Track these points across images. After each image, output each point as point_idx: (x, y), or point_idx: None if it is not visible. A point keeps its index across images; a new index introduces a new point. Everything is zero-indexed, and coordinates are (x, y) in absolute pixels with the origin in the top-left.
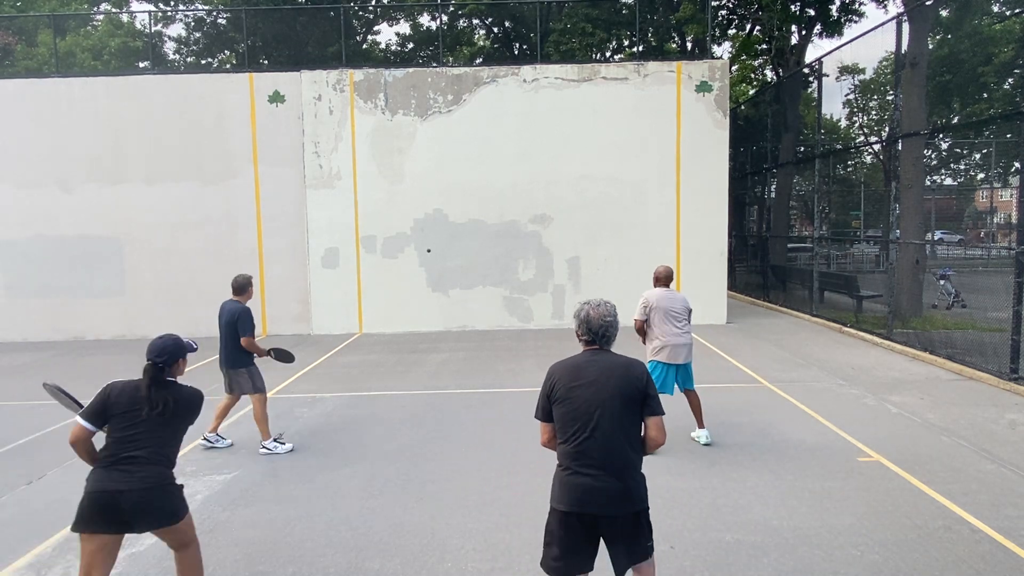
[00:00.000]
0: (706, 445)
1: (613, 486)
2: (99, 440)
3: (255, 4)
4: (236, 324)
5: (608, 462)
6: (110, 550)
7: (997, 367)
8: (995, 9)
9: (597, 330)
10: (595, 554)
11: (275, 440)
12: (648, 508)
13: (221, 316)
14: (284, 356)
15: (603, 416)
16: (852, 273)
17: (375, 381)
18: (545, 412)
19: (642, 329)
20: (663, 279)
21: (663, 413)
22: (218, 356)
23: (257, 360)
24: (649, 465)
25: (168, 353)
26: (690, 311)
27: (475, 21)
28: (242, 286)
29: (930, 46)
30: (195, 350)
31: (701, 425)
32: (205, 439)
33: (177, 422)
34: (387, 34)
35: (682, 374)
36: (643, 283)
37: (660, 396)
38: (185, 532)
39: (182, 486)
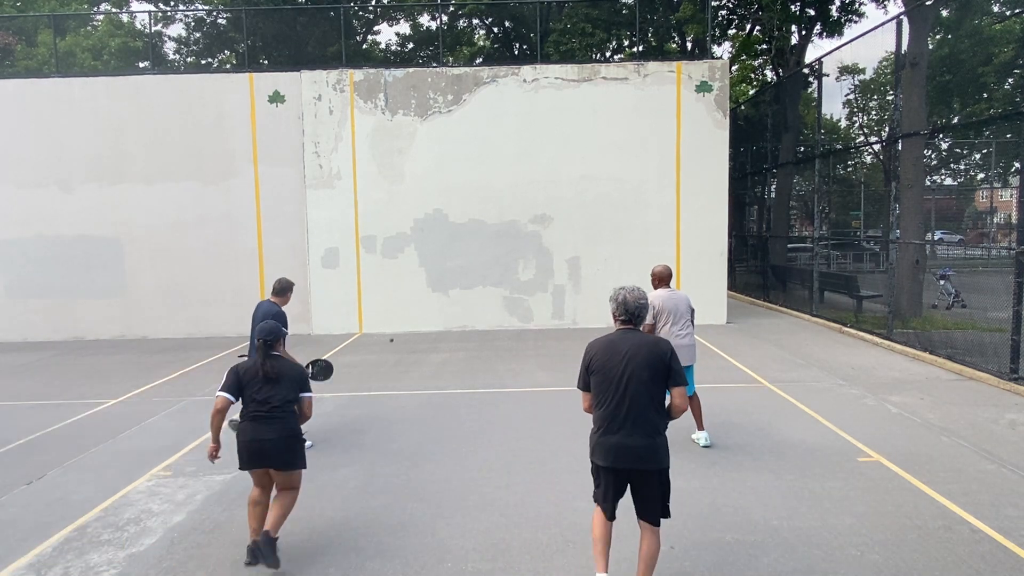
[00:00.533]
0: (706, 447)
1: (641, 444)
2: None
3: (255, 4)
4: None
5: (637, 424)
6: (265, 475)
7: (997, 367)
8: (995, 9)
9: (632, 311)
10: (621, 497)
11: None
12: (668, 468)
13: (256, 316)
14: (325, 371)
15: (633, 385)
16: (852, 273)
17: (375, 381)
18: (585, 382)
19: (652, 332)
20: (664, 279)
21: (686, 383)
22: (245, 354)
23: None
24: None
25: (272, 334)
26: (693, 311)
27: (475, 21)
28: (283, 289)
29: (930, 46)
30: (286, 335)
31: (701, 427)
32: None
33: (287, 382)
34: (387, 34)
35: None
36: (643, 283)
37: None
38: (296, 479)
39: (304, 440)
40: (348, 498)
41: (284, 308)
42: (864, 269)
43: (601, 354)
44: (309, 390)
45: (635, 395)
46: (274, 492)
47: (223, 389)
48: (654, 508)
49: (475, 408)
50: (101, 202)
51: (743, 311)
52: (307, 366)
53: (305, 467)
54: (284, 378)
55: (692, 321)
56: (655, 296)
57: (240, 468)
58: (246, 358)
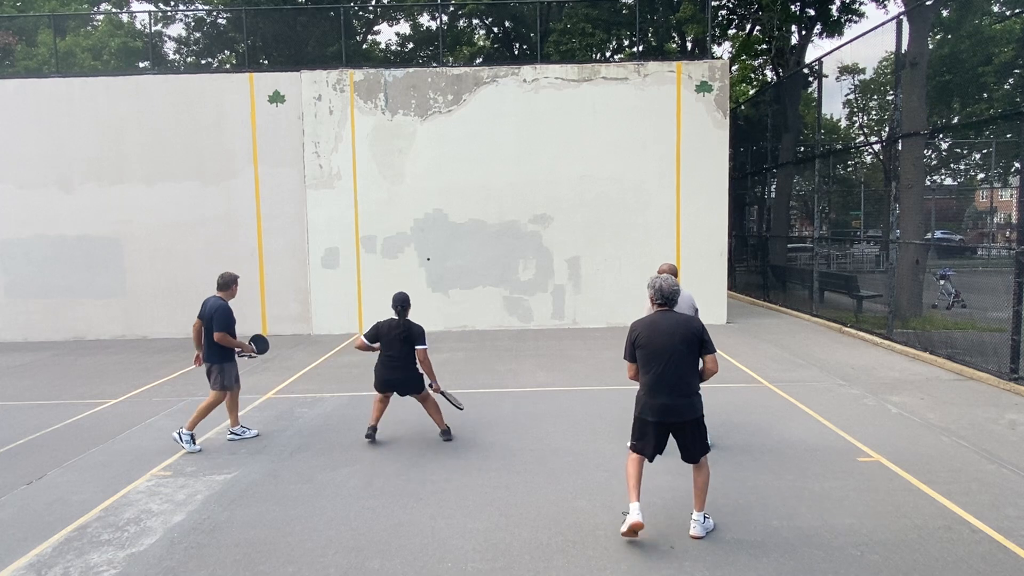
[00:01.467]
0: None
1: (682, 403)
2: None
3: (255, 4)
4: (212, 319)
5: (678, 387)
6: (386, 399)
7: (997, 367)
8: (995, 9)
9: (667, 295)
10: (664, 446)
11: (191, 435)
12: (704, 416)
13: (204, 312)
14: (261, 344)
15: (673, 355)
16: (852, 273)
17: None
18: (631, 354)
19: None
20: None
21: (715, 351)
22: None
23: (242, 359)
24: (649, 465)
25: (402, 303)
26: (696, 310)
27: (475, 21)
28: (227, 283)
29: (930, 46)
30: (410, 307)
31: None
32: (232, 433)
33: (409, 340)
34: (387, 34)
35: None
36: (643, 283)
37: None
38: (428, 395)
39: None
40: (348, 498)
41: (232, 301)
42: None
43: (646, 331)
44: None
45: (676, 363)
46: None
47: (366, 336)
48: (696, 450)
49: (475, 408)
50: (101, 202)
51: (743, 311)
52: (250, 341)
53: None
54: (409, 337)
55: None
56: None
57: (376, 389)
58: (247, 357)
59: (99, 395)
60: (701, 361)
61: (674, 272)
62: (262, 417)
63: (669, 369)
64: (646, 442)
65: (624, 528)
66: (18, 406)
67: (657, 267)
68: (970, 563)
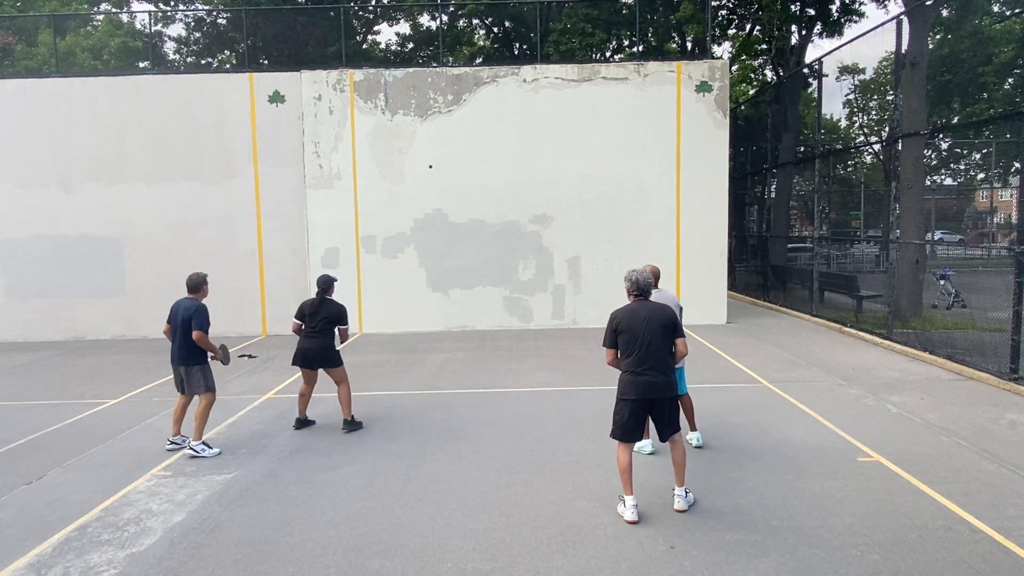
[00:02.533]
0: (698, 447)
1: (662, 380)
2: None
3: (255, 4)
4: (191, 319)
5: (658, 366)
6: (311, 376)
7: (997, 367)
8: (995, 9)
9: (643, 287)
10: (644, 427)
11: (204, 443)
12: (678, 395)
13: (177, 314)
14: (226, 354)
15: (652, 338)
16: (852, 273)
17: (375, 381)
18: (611, 341)
19: None
20: (654, 279)
21: (684, 335)
22: (246, 354)
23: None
24: (649, 465)
25: (324, 284)
26: (681, 308)
27: (475, 21)
28: (196, 284)
29: (930, 46)
30: (335, 280)
31: (693, 428)
32: (192, 449)
33: (329, 317)
34: (387, 34)
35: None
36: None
37: None
38: (341, 374)
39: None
40: (348, 498)
41: (205, 300)
42: (864, 269)
43: (627, 318)
44: None
45: (654, 346)
46: None
47: (296, 316)
48: (671, 426)
49: (475, 408)
50: (101, 202)
51: (743, 311)
52: (220, 347)
53: (342, 364)
54: (328, 316)
55: (680, 317)
56: None
57: (293, 364)
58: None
59: (99, 395)
60: (675, 345)
61: (657, 273)
62: (262, 417)
63: (650, 350)
64: (628, 424)
65: (630, 518)
66: (18, 406)
67: (644, 267)
68: (970, 563)
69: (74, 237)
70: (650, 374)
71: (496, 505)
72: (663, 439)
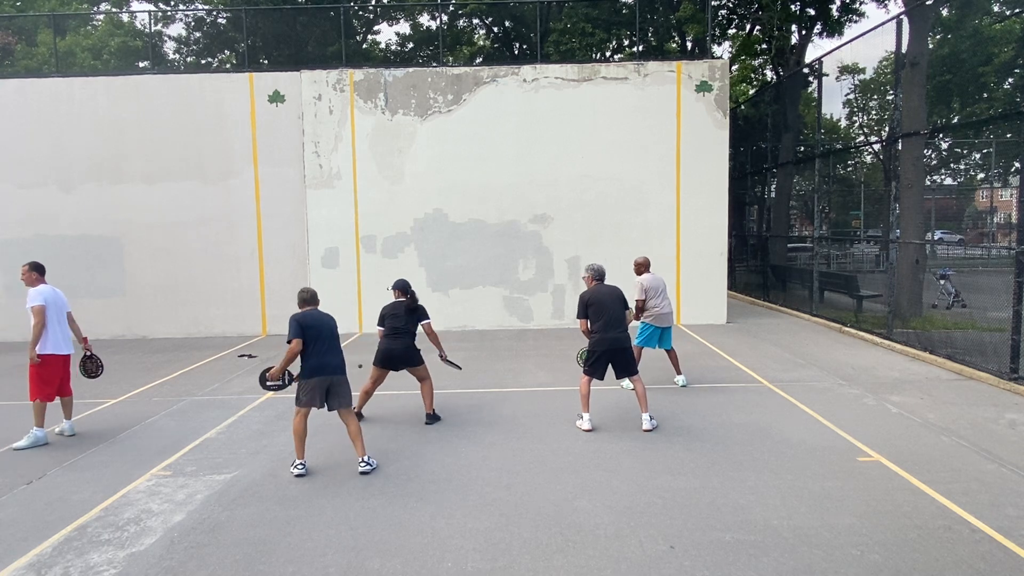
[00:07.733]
0: (683, 387)
1: (623, 335)
2: None
3: (255, 4)
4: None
5: (618, 328)
6: (383, 376)
7: (997, 367)
8: (995, 9)
9: (600, 273)
10: (606, 370)
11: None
12: (631, 346)
13: (322, 326)
14: (262, 380)
15: (613, 308)
16: (852, 273)
17: None
18: (584, 313)
19: (642, 307)
20: (646, 266)
21: (630, 307)
22: (321, 364)
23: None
24: (649, 464)
25: (402, 287)
26: (666, 285)
27: (475, 21)
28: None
29: (930, 46)
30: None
31: (679, 372)
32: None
33: (413, 316)
34: (387, 34)
35: (666, 336)
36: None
37: (644, 348)
38: (424, 371)
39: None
40: (348, 498)
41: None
42: (864, 269)
43: (595, 295)
44: None
45: (615, 313)
46: None
47: (379, 323)
48: (629, 368)
49: (475, 408)
50: (101, 202)
51: (743, 311)
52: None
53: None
54: (413, 315)
55: (667, 294)
56: (643, 279)
57: (375, 364)
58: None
59: (99, 395)
60: (626, 311)
61: (648, 262)
62: (262, 417)
63: (613, 316)
64: (596, 367)
65: (587, 428)
66: (18, 406)
67: (637, 257)
68: (970, 563)
69: (74, 237)
70: (614, 331)
71: (496, 505)
72: (621, 377)
